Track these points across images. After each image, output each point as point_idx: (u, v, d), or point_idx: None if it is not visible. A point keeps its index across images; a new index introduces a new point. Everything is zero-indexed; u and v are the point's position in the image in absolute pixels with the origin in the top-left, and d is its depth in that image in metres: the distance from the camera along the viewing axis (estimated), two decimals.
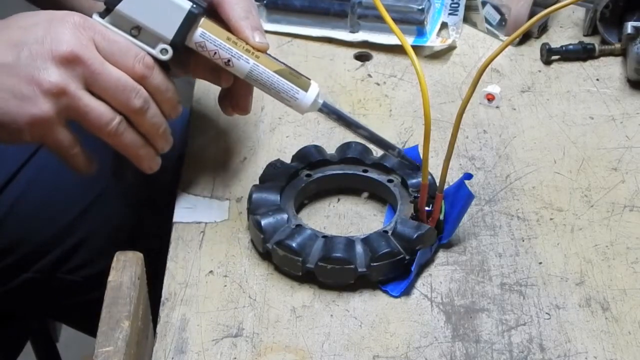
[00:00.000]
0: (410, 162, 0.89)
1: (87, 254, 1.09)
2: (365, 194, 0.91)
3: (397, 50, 1.10)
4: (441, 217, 0.84)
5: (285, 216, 0.84)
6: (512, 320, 0.78)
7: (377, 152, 0.93)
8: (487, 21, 1.14)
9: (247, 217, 0.86)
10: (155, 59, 0.81)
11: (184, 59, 0.85)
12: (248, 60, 0.82)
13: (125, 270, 0.77)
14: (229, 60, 0.82)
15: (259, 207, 0.85)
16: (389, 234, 0.83)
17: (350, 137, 0.96)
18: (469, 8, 1.14)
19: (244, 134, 0.99)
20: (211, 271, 0.83)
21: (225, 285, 0.82)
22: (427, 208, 0.83)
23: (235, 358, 0.76)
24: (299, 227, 0.83)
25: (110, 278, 0.76)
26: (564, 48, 1.09)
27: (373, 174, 0.90)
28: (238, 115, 0.90)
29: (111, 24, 0.80)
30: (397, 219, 0.84)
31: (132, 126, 0.81)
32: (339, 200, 0.91)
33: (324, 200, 0.91)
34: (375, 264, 0.80)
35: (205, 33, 0.81)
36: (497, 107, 1.02)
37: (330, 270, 0.80)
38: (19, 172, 1.08)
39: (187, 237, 0.87)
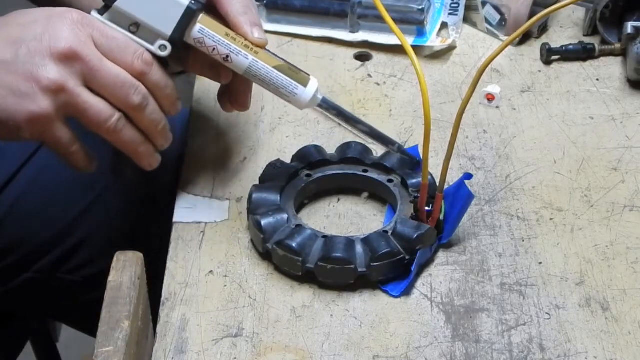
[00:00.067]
0: (410, 157, 0.89)
1: (87, 254, 1.09)
2: (365, 194, 0.91)
3: (397, 50, 1.10)
4: (441, 217, 0.84)
5: (285, 216, 0.84)
6: (512, 320, 0.78)
7: (377, 152, 0.93)
8: (487, 21, 1.14)
9: (247, 217, 0.86)
10: (154, 56, 0.81)
11: (183, 55, 0.85)
12: (247, 56, 0.82)
13: (125, 270, 0.77)
14: (227, 56, 0.82)
15: (259, 207, 0.85)
16: (389, 234, 0.82)
17: (350, 137, 0.97)
18: (469, 8, 1.14)
19: (244, 134, 0.99)
20: (211, 271, 0.83)
21: (225, 285, 0.82)
22: (427, 208, 0.83)
23: (235, 358, 0.76)
24: (299, 227, 0.83)
25: (110, 278, 0.76)
26: (564, 48, 1.09)
27: (373, 174, 0.90)
28: (237, 111, 0.90)
29: (110, 21, 0.80)
30: (397, 219, 0.84)
31: (131, 123, 0.81)
32: (339, 200, 0.91)
33: (324, 200, 0.91)
34: (375, 264, 0.80)
35: (204, 29, 0.81)
36: (497, 107, 1.02)
37: (330, 270, 0.80)
38: (19, 172, 1.08)
39: (187, 237, 0.87)
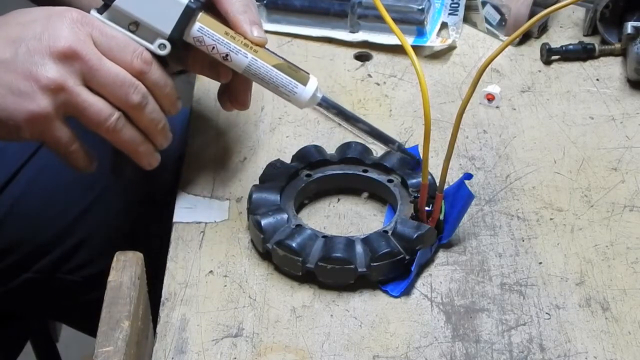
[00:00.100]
0: (410, 156, 0.89)
1: (87, 254, 1.09)
2: (365, 194, 0.91)
3: (397, 50, 1.10)
4: (441, 217, 0.84)
5: (285, 216, 0.84)
6: (512, 320, 0.78)
7: (377, 152, 0.93)
8: (487, 21, 1.14)
9: (247, 217, 0.86)
10: (154, 54, 0.81)
11: (182, 54, 0.85)
12: (246, 55, 0.82)
13: (125, 270, 0.77)
14: (227, 55, 0.82)
15: (259, 207, 0.85)
16: (389, 234, 0.82)
17: (350, 137, 0.97)
18: (469, 8, 1.14)
19: (244, 134, 0.99)
20: (211, 271, 0.83)
21: (225, 285, 0.82)
22: (427, 208, 0.83)
23: (235, 358, 0.76)
24: (299, 227, 0.83)
25: (110, 278, 0.76)
26: (564, 48, 1.09)
27: (373, 174, 0.90)
28: (237, 111, 0.90)
29: (109, 20, 0.80)
30: (397, 219, 0.84)
31: (130, 122, 0.81)
32: (339, 200, 0.91)
33: (324, 200, 0.91)
34: (375, 264, 0.80)
35: (203, 28, 0.81)
36: (497, 107, 1.02)
37: (330, 270, 0.80)
38: (19, 172, 1.08)
39: (187, 237, 0.87)
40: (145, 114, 0.80)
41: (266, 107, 1.02)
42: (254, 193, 0.86)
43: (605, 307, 0.79)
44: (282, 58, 0.83)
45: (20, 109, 0.77)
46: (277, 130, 0.99)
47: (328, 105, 0.85)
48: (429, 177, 0.83)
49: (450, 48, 1.11)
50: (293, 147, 0.95)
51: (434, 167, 0.88)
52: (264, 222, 0.83)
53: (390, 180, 0.89)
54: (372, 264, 0.80)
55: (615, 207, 0.89)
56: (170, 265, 0.84)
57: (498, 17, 1.13)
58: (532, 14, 1.10)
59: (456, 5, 1.13)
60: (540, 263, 0.83)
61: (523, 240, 0.86)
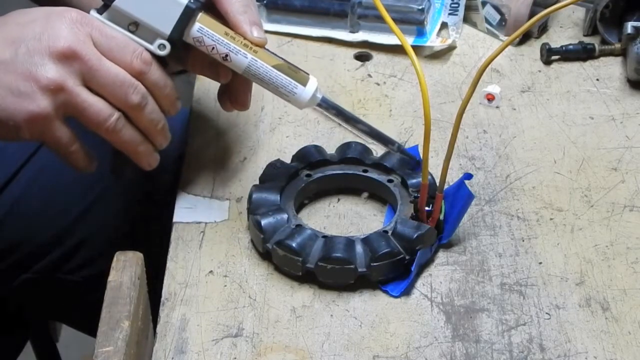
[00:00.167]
0: (410, 156, 0.89)
1: (87, 254, 1.09)
2: (365, 194, 0.91)
3: (397, 50, 1.10)
4: (441, 217, 0.84)
5: (285, 216, 0.84)
6: (512, 320, 0.78)
7: (377, 152, 0.93)
8: (487, 21, 1.14)
9: (247, 217, 0.86)
10: (153, 55, 0.81)
11: (182, 54, 0.85)
12: (246, 55, 0.82)
13: (125, 270, 0.77)
14: (226, 55, 0.82)
15: (259, 207, 0.85)
16: (389, 234, 0.82)
17: (350, 137, 0.97)
18: (469, 8, 1.14)
19: (244, 133, 0.99)
20: (211, 271, 0.83)
21: (225, 285, 0.82)
22: (427, 208, 0.83)
23: (235, 358, 0.76)
24: (299, 227, 0.83)
25: (110, 278, 0.76)
26: (564, 48, 1.09)
27: (373, 174, 0.90)
28: (237, 111, 0.90)
29: (109, 20, 0.80)
30: (397, 219, 0.84)
31: (130, 122, 0.80)
32: (339, 200, 0.91)
33: (324, 200, 0.91)
34: (375, 264, 0.80)
35: (203, 28, 0.81)
36: (497, 107, 1.02)
37: (330, 270, 0.80)
38: (19, 172, 1.08)
39: (187, 237, 0.87)
40: (145, 114, 0.80)
41: (266, 107, 1.02)
42: (254, 193, 0.86)
43: (605, 307, 0.79)
44: (282, 58, 0.83)
45: (20, 110, 0.77)
46: (277, 130, 0.99)
47: (328, 106, 0.85)
48: (429, 177, 0.83)
49: (450, 48, 1.11)
50: (293, 147, 0.95)
51: (434, 167, 0.88)
52: (264, 222, 0.83)
53: (390, 180, 0.89)
54: (372, 264, 0.80)
55: (615, 207, 0.89)
56: (170, 265, 0.84)
57: (498, 17, 1.13)
58: (532, 14, 1.10)
59: (456, 5, 1.13)
60: (540, 263, 0.83)
61: (523, 240, 0.86)
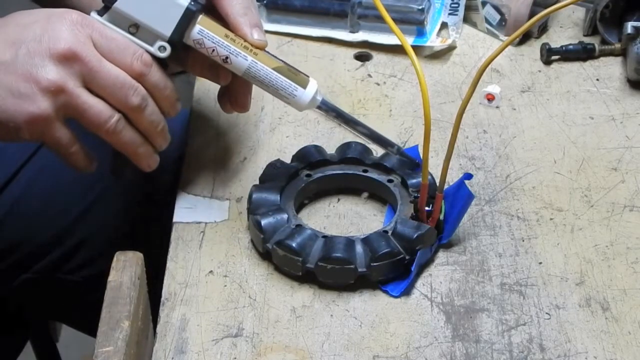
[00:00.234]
0: (409, 159, 0.89)
1: (87, 254, 1.09)
2: (365, 194, 0.91)
3: (397, 50, 1.10)
4: (441, 217, 0.84)
5: (285, 216, 0.84)
6: (512, 320, 0.78)
7: (377, 152, 0.93)
8: (487, 21, 1.14)
9: (247, 217, 0.86)
10: (153, 57, 0.81)
11: (182, 56, 0.85)
12: (246, 57, 0.82)
13: (125, 270, 0.77)
14: (227, 58, 0.82)
15: (259, 207, 0.85)
16: (389, 234, 0.82)
17: (350, 137, 0.97)
18: (469, 8, 1.14)
19: (244, 134, 0.99)
20: (211, 271, 0.83)
21: (225, 285, 0.82)
22: (427, 208, 0.83)
23: (235, 358, 0.76)
24: (299, 227, 0.83)
25: (110, 278, 0.76)
26: (564, 48, 1.09)
27: (373, 174, 0.90)
28: (237, 112, 0.90)
29: (109, 22, 0.80)
30: (397, 219, 0.84)
31: (130, 124, 0.81)
32: (339, 200, 0.91)
33: (324, 200, 0.91)
34: (375, 264, 0.80)
35: (203, 30, 0.81)
36: (497, 107, 1.02)
37: (330, 270, 0.80)
38: (19, 172, 1.08)
39: (187, 237, 0.87)
40: (145, 116, 0.80)
41: (266, 107, 1.02)
42: (254, 193, 0.86)
43: (605, 307, 0.79)
44: (282, 61, 0.83)
45: (21, 111, 0.77)
46: (277, 130, 0.99)
47: (327, 108, 0.85)
48: (429, 177, 0.83)
49: (450, 48, 1.11)
50: (293, 147, 0.95)
51: (434, 167, 0.88)
52: (264, 222, 0.83)
53: (390, 180, 0.89)
54: (372, 264, 0.80)
55: (615, 207, 0.89)
56: (170, 265, 0.84)
57: (498, 17, 1.13)
58: (532, 14, 1.10)
59: (456, 5, 1.13)
60: (540, 263, 0.83)
61: (523, 240, 0.86)
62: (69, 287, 1.10)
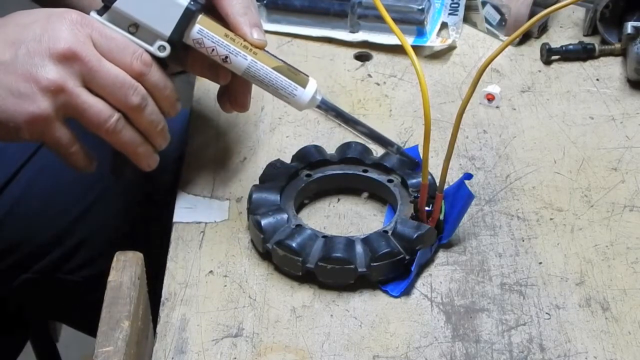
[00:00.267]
0: (409, 158, 0.89)
1: (87, 254, 1.09)
2: (365, 194, 0.91)
3: (397, 50, 1.10)
4: (441, 217, 0.84)
5: (285, 216, 0.84)
6: (512, 320, 0.78)
7: (377, 152, 0.93)
8: (487, 21, 1.14)
9: (247, 217, 0.86)
10: (153, 56, 0.81)
11: (182, 55, 0.85)
12: (246, 57, 0.82)
13: (125, 270, 0.77)
14: (226, 57, 0.82)
15: (259, 207, 0.85)
16: (389, 234, 0.82)
17: (350, 137, 0.97)
18: (469, 8, 1.14)
19: (244, 134, 0.99)
20: (211, 271, 0.83)
21: (225, 285, 0.82)
22: (427, 208, 0.83)
23: (235, 358, 0.76)
24: (299, 227, 0.83)
25: (110, 278, 0.76)
26: (564, 48, 1.09)
27: (373, 174, 0.90)
28: (237, 112, 0.90)
29: (109, 21, 0.80)
30: (397, 219, 0.84)
31: (130, 123, 0.81)
32: (339, 200, 0.91)
33: (324, 200, 0.91)
34: (375, 264, 0.80)
35: (203, 30, 0.81)
36: (497, 107, 1.02)
37: (330, 270, 0.80)
38: (19, 172, 1.08)
39: (187, 237, 0.87)
40: (145, 116, 0.80)
41: (266, 107, 1.02)
42: (254, 193, 0.86)
43: (605, 307, 0.79)
44: (282, 60, 0.83)
45: (21, 111, 0.77)
46: (277, 130, 0.99)
47: (327, 108, 0.85)
48: (429, 177, 0.83)
49: (450, 48, 1.11)
50: (293, 147, 0.95)
51: (434, 167, 0.88)
52: (264, 222, 0.83)
53: (390, 180, 0.89)
54: (372, 264, 0.80)
55: (615, 207, 0.89)
56: (170, 265, 0.84)
57: (498, 17, 1.13)
58: (532, 14, 1.10)
59: (456, 5, 1.13)
60: (540, 263, 0.83)
61: (523, 240, 0.86)
62: (69, 287, 1.10)
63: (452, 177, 0.89)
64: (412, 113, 1.02)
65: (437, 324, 0.78)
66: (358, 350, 0.76)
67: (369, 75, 1.08)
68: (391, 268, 0.81)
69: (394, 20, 0.81)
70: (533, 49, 1.11)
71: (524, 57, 1.10)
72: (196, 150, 0.97)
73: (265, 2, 1.14)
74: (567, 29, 1.15)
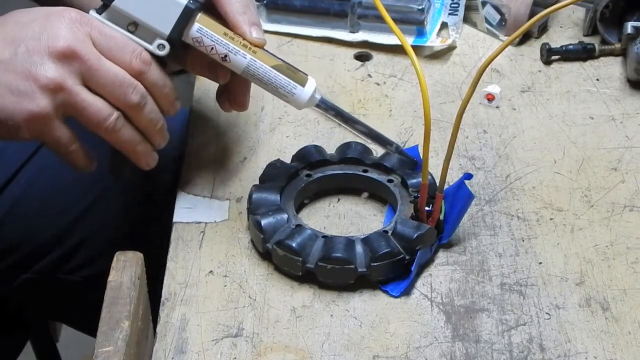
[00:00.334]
0: (408, 158, 0.89)
1: (87, 254, 1.09)
2: (365, 194, 0.91)
3: (397, 50, 1.10)
4: (441, 217, 0.84)
5: (285, 216, 0.84)
6: (512, 320, 0.78)
7: (377, 152, 0.93)
8: (487, 21, 1.14)
9: (247, 217, 0.86)
10: (152, 55, 0.81)
11: (181, 54, 0.84)
12: (245, 56, 0.82)
13: (125, 270, 0.77)
14: (225, 56, 0.82)
15: (259, 207, 0.85)
16: (389, 234, 0.82)
17: (350, 137, 0.97)
18: (469, 8, 1.14)
19: (244, 133, 0.99)
20: (211, 271, 0.83)
21: (225, 285, 0.82)
22: (427, 208, 0.83)
23: (235, 358, 0.76)
24: (299, 227, 0.83)
25: (110, 278, 0.76)
26: (564, 48, 1.09)
27: (373, 174, 0.90)
28: (236, 111, 0.90)
29: (108, 20, 0.80)
30: (397, 219, 0.84)
31: (129, 122, 0.80)
32: (339, 200, 0.91)
33: (324, 200, 0.91)
34: (375, 264, 0.80)
35: (202, 28, 0.81)
36: (497, 107, 1.02)
37: (330, 270, 0.80)
38: (19, 172, 1.08)
39: (187, 237, 0.87)
40: (144, 114, 0.80)
41: (266, 107, 1.02)
42: (254, 193, 0.86)
43: (605, 307, 0.79)
44: (281, 59, 0.83)
45: (20, 109, 0.77)
46: (277, 130, 0.99)
47: (326, 107, 0.85)
48: (429, 177, 0.83)
49: (450, 48, 1.11)
50: (293, 147, 0.95)
51: (434, 167, 0.88)
52: (264, 222, 0.83)
53: (390, 180, 0.89)
54: (372, 264, 0.80)
55: (615, 207, 0.89)
56: (170, 265, 0.84)
57: (498, 17, 1.13)
58: (532, 14, 1.10)
59: (456, 5, 1.13)
60: (540, 263, 0.83)
61: (523, 240, 0.86)
62: (69, 287, 1.10)
63: (452, 177, 0.89)
64: (412, 113, 1.02)
65: (437, 324, 0.78)
66: (358, 350, 0.76)
67: (369, 75, 1.08)
68: (391, 268, 0.81)
69: (394, 20, 0.81)
70: (533, 49, 1.11)
71: (524, 57, 1.10)
72: (196, 150, 0.97)
73: (265, 2, 1.14)
74: (567, 29, 1.15)
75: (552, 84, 1.06)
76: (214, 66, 0.84)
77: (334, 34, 1.13)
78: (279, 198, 0.86)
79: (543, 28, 1.14)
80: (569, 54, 1.09)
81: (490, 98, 1.02)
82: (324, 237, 0.82)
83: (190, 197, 0.91)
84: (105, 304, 0.74)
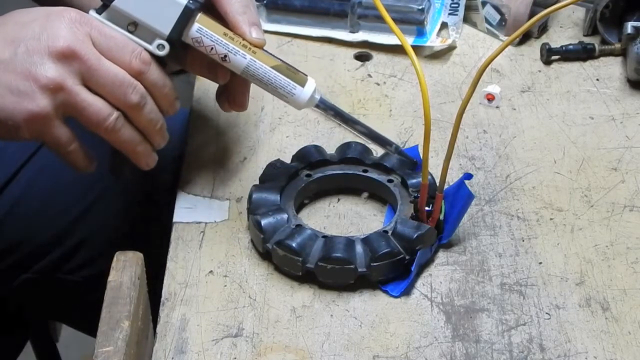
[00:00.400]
0: (407, 158, 0.89)
1: (87, 254, 1.09)
2: (365, 194, 0.91)
3: (397, 50, 1.10)
4: (441, 217, 0.84)
5: (285, 216, 0.84)
6: (512, 320, 0.78)
7: (377, 152, 0.93)
8: (487, 21, 1.14)
9: (247, 217, 0.86)
10: (152, 55, 0.81)
11: (181, 54, 0.84)
12: (245, 56, 0.82)
13: (125, 270, 0.77)
14: (225, 56, 0.82)
15: (259, 207, 0.85)
16: (389, 234, 0.82)
17: (350, 137, 0.97)
18: (469, 8, 1.14)
19: (244, 133, 0.99)
20: (211, 271, 0.83)
21: (225, 285, 0.82)
22: (427, 208, 0.83)
23: (235, 358, 0.76)
24: (299, 227, 0.83)
25: (110, 278, 0.76)
26: (564, 48, 1.09)
27: (373, 174, 0.90)
28: (236, 111, 0.90)
29: (108, 20, 0.80)
30: (397, 219, 0.84)
31: (129, 122, 0.80)
32: (339, 200, 0.91)
33: (324, 200, 0.91)
34: (375, 264, 0.80)
35: (202, 28, 0.81)
36: (497, 107, 1.02)
37: (330, 270, 0.80)
38: (19, 172, 1.08)
39: (187, 237, 0.87)
40: (144, 114, 0.80)
41: (266, 107, 1.02)
42: (254, 193, 0.86)
43: (605, 307, 0.79)
44: (281, 59, 0.83)
45: (20, 109, 0.77)
46: (277, 130, 0.99)
47: (326, 107, 0.85)
48: (429, 177, 0.83)
49: (450, 48, 1.11)
50: (293, 147, 0.95)
51: (434, 167, 0.88)
52: (264, 222, 0.83)
53: (390, 180, 0.89)
54: (372, 264, 0.80)
55: (615, 207, 0.89)
56: (170, 265, 0.84)
57: (498, 17, 1.13)
58: (532, 14, 1.10)
59: (456, 5, 1.13)
60: (540, 263, 0.83)
61: (523, 240, 0.86)
62: (69, 287, 1.10)
63: (452, 177, 0.89)
64: (412, 113, 1.02)
65: (437, 324, 0.78)
66: (358, 350, 0.76)
67: (369, 75, 1.08)
68: (391, 268, 0.81)
69: (394, 20, 0.81)
70: (533, 49, 1.11)
71: (524, 57, 1.10)
72: (196, 150, 0.97)
73: (265, 2, 1.14)
74: (567, 29, 1.15)
75: (552, 84, 1.06)
76: (214, 66, 0.84)
77: (334, 34, 1.13)
78: (279, 198, 0.86)
79: (543, 28, 1.14)
80: (569, 54, 1.09)
81: (490, 98, 1.02)
82: (324, 237, 0.82)
83: (190, 197, 0.91)
84: (105, 304, 0.74)
